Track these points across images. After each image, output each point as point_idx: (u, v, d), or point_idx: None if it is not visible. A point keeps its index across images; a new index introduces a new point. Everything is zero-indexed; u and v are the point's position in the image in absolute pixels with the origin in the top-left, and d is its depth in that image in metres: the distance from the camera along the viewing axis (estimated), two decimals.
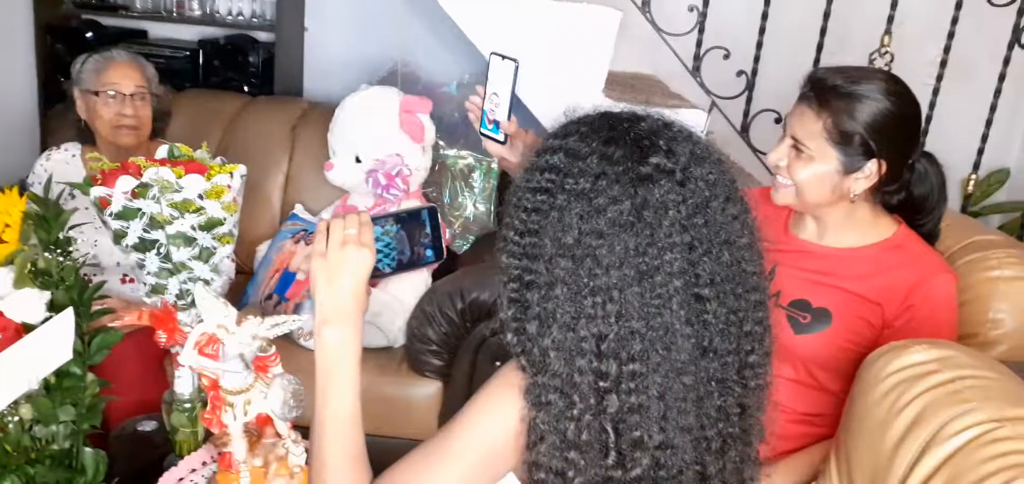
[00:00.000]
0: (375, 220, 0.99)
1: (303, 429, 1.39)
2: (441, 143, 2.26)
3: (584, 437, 0.80)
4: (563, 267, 0.79)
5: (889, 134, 1.31)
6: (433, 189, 2.27)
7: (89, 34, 2.78)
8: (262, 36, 2.81)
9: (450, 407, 1.90)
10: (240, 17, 2.78)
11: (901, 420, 0.94)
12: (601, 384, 0.79)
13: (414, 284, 2.09)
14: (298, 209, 2.28)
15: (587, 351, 0.79)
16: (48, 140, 2.41)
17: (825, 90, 1.33)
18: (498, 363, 1.82)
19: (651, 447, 0.79)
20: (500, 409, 0.84)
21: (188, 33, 2.86)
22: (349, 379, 0.93)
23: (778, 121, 2.02)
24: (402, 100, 2.11)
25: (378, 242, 0.98)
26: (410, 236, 1.03)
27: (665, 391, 0.79)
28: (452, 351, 1.86)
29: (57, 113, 2.48)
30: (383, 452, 1.58)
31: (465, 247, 2.24)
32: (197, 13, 2.79)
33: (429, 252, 1.05)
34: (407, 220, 1.03)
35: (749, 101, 2.17)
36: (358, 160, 2.11)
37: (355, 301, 0.93)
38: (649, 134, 0.83)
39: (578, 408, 0.79)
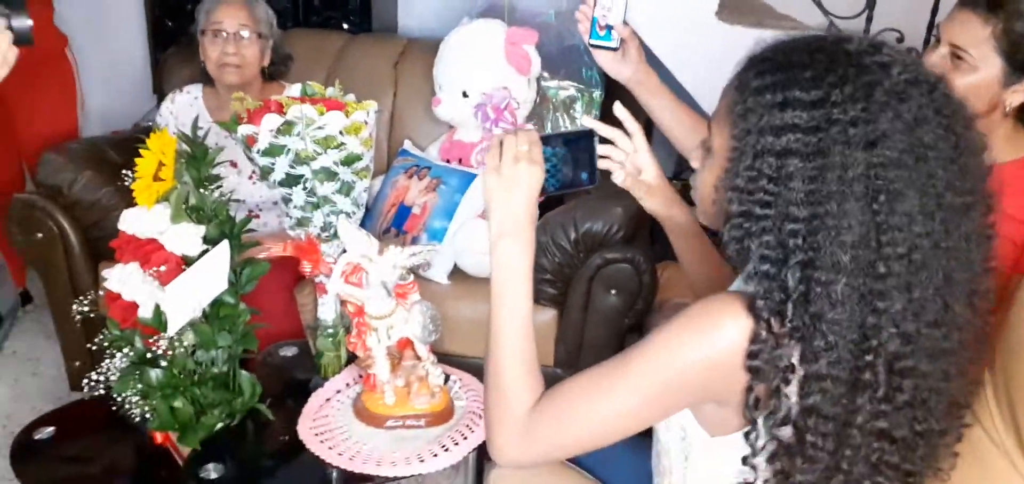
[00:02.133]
0: (543, 140, 1.02)
1: (439, 354, 1.46)
2: (544, 74, 2.27)
3: (866, 377, 0.80)
4: (852, 206, 0.78)
5: None
6: (535, 121, 2.28)
7: None
8: None
9: (566, 334, 1.94)
10: None
11: None
12: (885, 323, 0.79)
13: None
14: (407, 144, 2.33)
15: (878, 291, 0.78)
16: (162, 84, 2.50)
17: None
18: (613, 292, 1.86)
19: (918, 374, 0.81)
20: (699, 339, 0.83)
21: None
22: (524, 290, 0.96)
23: (901, 41, 1.95)
24: (508, 32, 2.12)
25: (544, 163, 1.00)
26: (574, 159, 1.05)
27: (936, 320, 0.80)
28: (566, 280, 1.89)
29: (169, 57, 2.56)
30: None
31: None
32: None
33: (585, 175, 1.07)
34: (573, 143, 1.06)
35: (870, 20, 2.09)
36: (465, 95, 2.13)
37: (528, 215, 0.97)
38: (870, 48, 0.82)
39: (864, 346, 0.79)
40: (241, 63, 2.07)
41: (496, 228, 0.97)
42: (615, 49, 1.38)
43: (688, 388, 0.85)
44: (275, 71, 2.18)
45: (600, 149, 1.12)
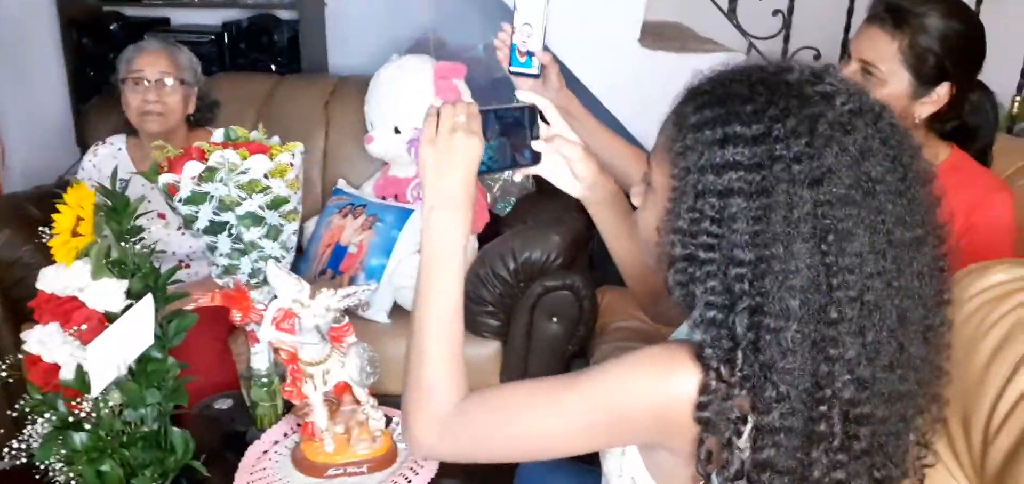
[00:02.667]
0: (482, 113, 0.97)
1: (379, 396, 1.43)
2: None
3: (821, 428, 0.76)
4: (800, 247, 0.73)
5: (961, 55, 1.32)
6: None
7: (113, 26, 2.79)
8: (284, 14, 2.81)
9: (510, 365, 1.93)
10: None
11: (989, 341, 0.95)
12: (839, 370, 0.75)
13: None
14: (341, 183, 2.30)
15: (831, 337, 0.74)
16: (85, 135, 2.43)
17: (900, 12, 1.33)
18: (555, 319, 1.86)
19: (875, 420, 0.78)
20: (652, 380, 0.79)
21: (210, 18, 2.86)
22: (456, 268, 0.91)
23: (817, 58, 2.02)
24: (436, 67, 2.12)
25: None
26: (514, 135, 1.02)
27: (891, 362, 0.77)
28: (507, 311, 1.89)
29: (92, 108, 2.50)
30: None
31: (507, 209, 2.25)
32: None
33: (526, 153, 1.03)
34: (512, 118, 1.02)
35: (787, 40, 2.16)
36: (397, 130, 2.12)
37: (464, 188, 0.92)
38: (811, 77, 0.78)
39: (818, 395, 0.75)
40: (163, 111, 2.02)
41: (428, 201, 0.93)
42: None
43: (635, 427, 0.82)
44: (201, 118, 2.14)
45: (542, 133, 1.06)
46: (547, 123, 1.07)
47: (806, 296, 0.74)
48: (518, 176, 1.12)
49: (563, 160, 1.07)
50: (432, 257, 0.92)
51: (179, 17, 2.90)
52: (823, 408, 0.76)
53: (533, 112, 1.04)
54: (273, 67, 2.74)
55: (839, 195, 0.74)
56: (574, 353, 1.89)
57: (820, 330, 0.74)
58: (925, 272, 0.79)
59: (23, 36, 2.87)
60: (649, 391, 0.79)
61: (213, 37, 2.76)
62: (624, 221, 1.12)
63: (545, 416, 0.84)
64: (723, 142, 0.77)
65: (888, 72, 1.33)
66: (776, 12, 2.11)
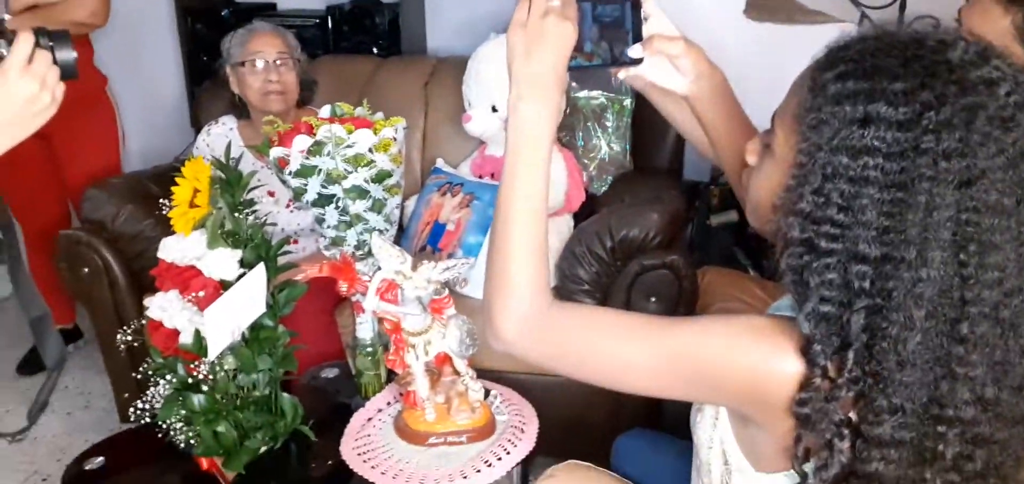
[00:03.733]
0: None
1: (477, 369, 1.45)
2: (572, 84, 2.26)
3: (937, 447, 0.71)
4: (935, 254, 0.68)
5: None
6: (565, 133, 2.27)
7: (224, 12, 2.90)
8: None
9: None
10: None
11: None
12: (962, 390, 0.70)
13: (558, 228, 2.11)
14: (440, 162, 2.33)
15: (958, 355, 0.69)
16: (198, 117, 2.55)
17: None
18: (653, 299, 1.84)
19: (994, 443, 0.73)
20: (754, 352, 0.75)
21: (315, 2, 2.94)
22: (541, 160, 0.85)
23: (936, 28, 1.89)
24: None
25: None
26: (613, 30, 0.95)
27: (1020, 385, 0.72)
28: (604, 290, 1.87)
29: (204, 91, 2.62)
30: (542, 391, 1.62)
31: (604, 188, 2.23)
32: None
33: (627, 53, 0.96)
34: (607, 19, 0.95)
35: (903, 8, 2.05)
36: (494, 109, 2.13)
37: (555, 76, 0.84)
38: (976, 58, 0.70)
39: (935, 413, 0.70)
40: (284, 89, 2.11)
41: (515, 90, 0.85)
42: (639, 62, 1.08)
43: (724, 388, 0.79)
44: (304, 97, 2.21)
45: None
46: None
47: (936, 307, 0.68)
48: (621, 74, 1.04)
49: (664, 58, 1.01)
50: (517, 150, 0.85)
51: (285, 2, 3.00)
52: (941, 427, 0.71)
53: (636, 8, 0.96)
54: (375, 50, 2.80)
55: (989, 202, 0.67)
56: None
57: (946, 345, 0.69)
58: None
59: (141, 24, 3.02)
60: (748, 361, 0.76)
61: (317, 21, 2.83)
62: (734, 118, 1.06)
63: (633, 345, 0.81)
64: (864, 122, 0.70)
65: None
66: None
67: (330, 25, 2.83)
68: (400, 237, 2.17)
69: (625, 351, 0.81)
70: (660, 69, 1.03)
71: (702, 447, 0.92)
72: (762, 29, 2.02)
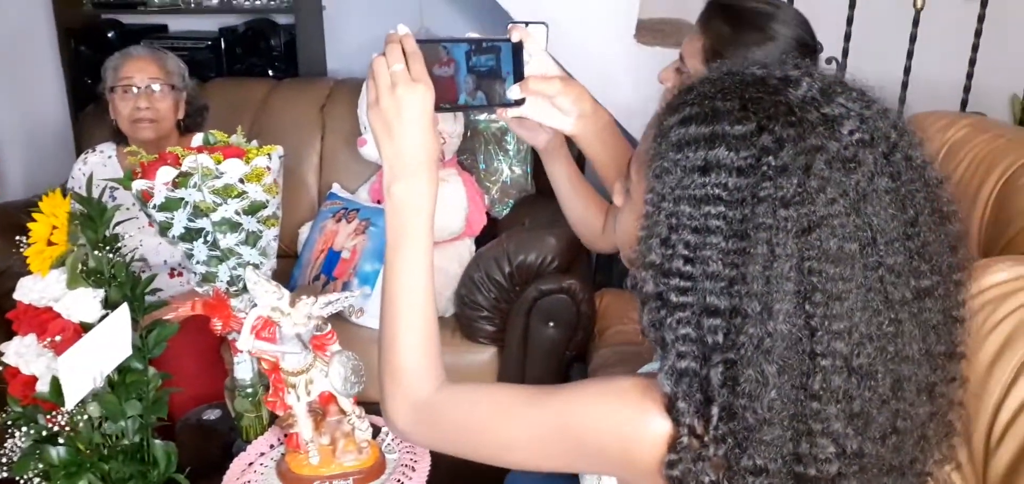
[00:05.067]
0: (442, 43, 0.88)
1: (365, 404, 1.39)
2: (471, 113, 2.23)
3: None
4: (780, 306, 0.64)
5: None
6: (467, 156, 2.24)
7: (110, 34, 2.78)
8: (281, 19, 2.79)
9: (507, 371, 1.89)
10: (257, 2, 2.76)
11: (989, 345, 0.90)
12: (823, 446, 0.66)
13: (458, 252, 2.07)
14: (336, 187, 2.27)
15: (814, 411, 0.65)
16: (82, 143, 2.42)
17: (711, 9, 1.35)
18: (552, 324, 1.81)
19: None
20: (621, 418, 0.72)
21: (207, 23, 2.84)
22: (422, 241, 0.83)
23: (829, 63, 1.94)
24: None
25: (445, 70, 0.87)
26: (491, 71, 0.93)
27: (883, 435, 0.67)
28: (503, 315, 1.84)
29: (87, 116, 2.49)
30: None
31: (505, 211, 2.21)
32: (214, 2, 2.76)
33: (507, 94, 0.94)
34: (483, 63, 0.92)
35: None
36: None
37: (421, 147, 0.82)
38: (820, 96, 0.67)
39: (800, 472, 0.66)
40: (155, 117, 2.01)
41: (387, 173, 0.84)
42: (518, 103, 0.99)
43: (597, 458, 0.76)
44: (191, 123, 2.12)
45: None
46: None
47: (786, 361, 0.65)
48: (502, 116, 1.03)
49: (544, 98, 0.99)
50: (396, 233, 0.84)
51: (176, 24, 2.89)
52: None
53: (518, 51, 0.93)
54: (270, 72, 2.72)
55: (830, 250, 0.64)
56: (573, 358, 1.85)
57: (802, 401, 0.65)
58: (935, 324, 0.69)
59: (21, 45, 2.86)
60: (618, 428, 0.72)
61: (210, 42, 2.74)
62: (620, 158, 1.05)
63: (511, 426, 0.79)
64: (705, 168, 0.66)
65: (694, 70, 1.34)
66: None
67: (223, 47, 2.73)
68: (294, 265, 2.09)
69: (506, 432, 0.79)
70: (542, 109, 1.01)
71: None
72: (652, 54, 2.02)
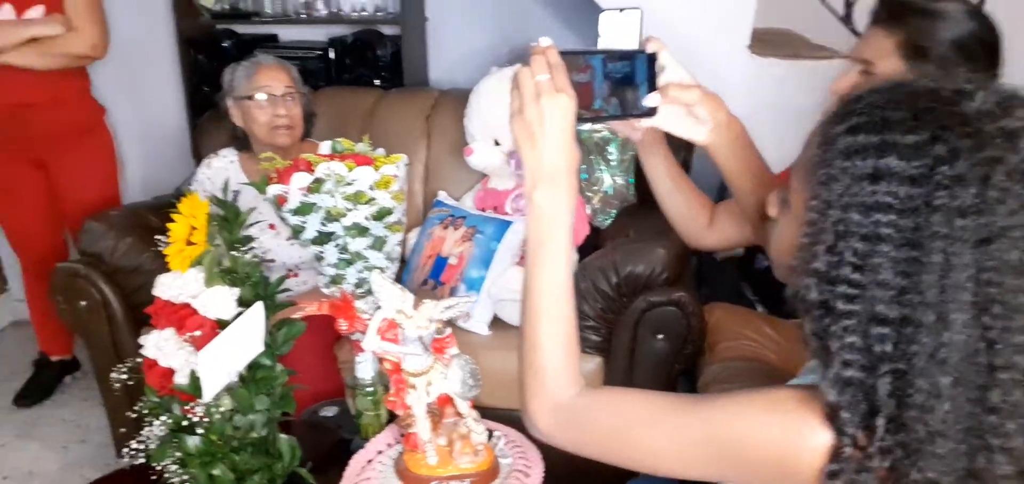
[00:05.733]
0: (579, 55, 0.90)
1: (480, 409, 1.41)
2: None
3: None
4: (956, 317, 0.63)
5: (971, 55, 1.22)
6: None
7: (226, 43, 2.89)
8: (387, 30, 2.85)
9: (613, 381, 1.88)
10: (364, 12, 2.83)
11: None
12: (1000, 461, 0.65)
13: None
14: (442, 195, 2.31)
15: (991, 425, 0.65)
16: (199, 149, 2.53)
17: (892, 5, 1.29)
18: (660, 336, 1.80)
19: None
20: (780, 429, 0.71)
21: (316, 33, 2.93)
22: (563, 246, 0.85)
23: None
24: None
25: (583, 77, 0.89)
26: (624, 82, 0.94)
27: None
28: (609, 326, 1.84)
29: (205, 122, 2.60)
30: None
31: (607, 221, 2.21)
32: (323, 13, 2.85)
33: (641, 105, 0.94)
34: (618, 71, 0.93)
35: None
36: (497, 143, 2.12)
37: (563, 156, 0.84)
38: (995, 109, 0.66)
39: (976, 466, 0.66)
40: (292, 123, 2.09)
41: (528, 180, 0.86)
42: (652, 112, 1.00)
43: (752, 471, 0.75)
44: (305, 130, 2.19)
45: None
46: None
47: (962, 374, 0.64)
48: (635, 126, 1.03)
49: (681, 107, 1.00)
50: (537, 241, 0.86)
51: (287, 34, 2.99)
52: None
53: (652, 60, 0.94)
54: (377, 82, 2.79)
55: (1011, 261, 0.63)
56: (681, 371, 1.83)
57: (978, 414, 0.64)
58: None
59: (143, 54, 3.01)
60: (775, 439, 0.72)
61: (319, 52, 2.82)
62: (752, 167, 1.05)
63: (660, 434, 0.79)
64: (875, 177, 0.66)
65: (889, 68, 1.26)
66: None
67: (332, 57, 2.82)
68: (402, 271, 2.14)
69: (651, 440, 0.80)
70: (677, 119, 1.01)
71: None
72: (766, 66, 2.00)
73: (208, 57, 2.88)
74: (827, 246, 0.69)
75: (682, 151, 2.23)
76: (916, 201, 0.65)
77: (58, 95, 2.38)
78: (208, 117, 2.58)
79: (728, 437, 0.75)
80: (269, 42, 2.94)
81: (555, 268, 0.85)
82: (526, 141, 0.86)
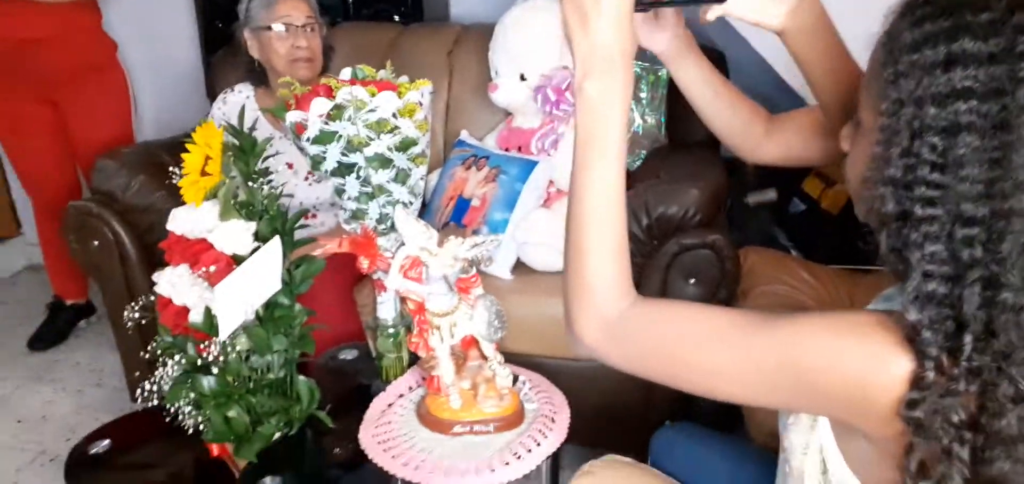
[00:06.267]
0: None
1: (504, 353, 1.35)
2: None
3: None
4: None
5: None
6: None
7: None
8: None
9: None
10: None
11: None
12: None
13: None
14: (464, 134, 2.23)
15: None
16: (214, 86, 2.45)
17: None
18: (693, 281, 1.73)
19: None
20: (856, 356, 0.65)
21: None
22: (616, 144, 0.76)
23: None
24: None
25: None
26: None
27: None
28: (638, 270, 1.76)
29: (220, 58, 2.52)
30: (571, 377, 1.52)
31: (637, 163, 2.12)
32: None
33: None
34: None
35: None
36: (523, 78, 2.03)
37: (618, 40, 0.75)
38: None
39: None
40: (312, 55, 2.02)
41: (579, 69, 0.77)
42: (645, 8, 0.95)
43: (823, 398, 0.68)
44: (324, 64, 2.11)
45: None
46: None
47: None
48: (709, 15, 0.91)
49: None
50: (587, 136, 0.77)
51: None
52: None
53: None
54: (396, 17, 2.69)
55: None
56: None
57: None
58: None
59: None
60: (854, 366, 0.65)
61: None
62: (837, 57, 0.94)
63: (722, 354, 0.72)
64: (949, 63, 0.61)
65: None
66: None
67: None
68: (422, 212, 2.07)
69: (713, 357, 0.72)
70: (751, 4, 0.91)
71: (795, 452, 0.81)
72: None
73: None
74: (902, 149, 0.64)
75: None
76: (999, 82, 0.60)
77: (68, 30, 2.31)
78: (223, 53, 2.50)
79: (800, 361, 0.67)
80: None
81: (606, 167, 0.77)
82: (578, 25, 0.77)
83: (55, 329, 2.68)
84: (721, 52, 2.27)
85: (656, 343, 0.76)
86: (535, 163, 1.96)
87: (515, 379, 1.37)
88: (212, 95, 2.43)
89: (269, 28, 1.99)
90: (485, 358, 1.32)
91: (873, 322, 0.66)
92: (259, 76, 2.10)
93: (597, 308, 0.78)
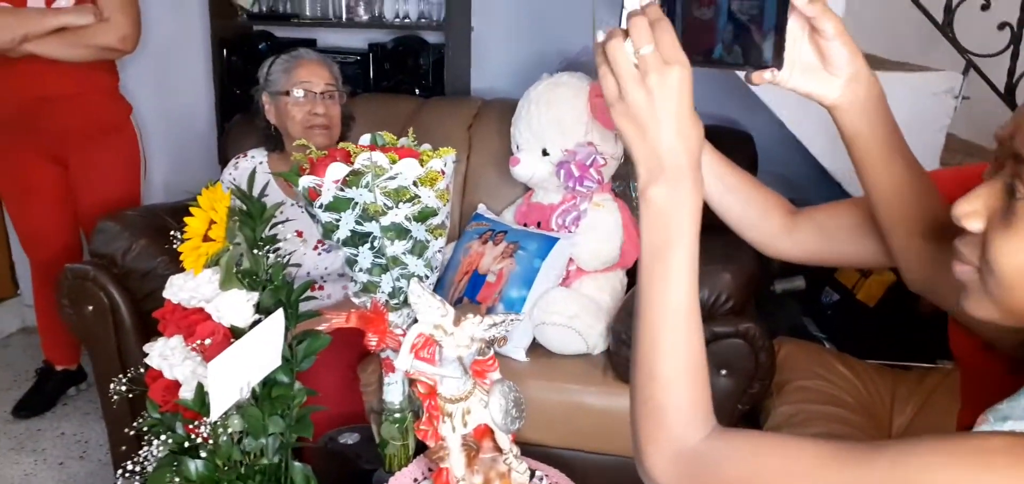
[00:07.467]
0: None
1: (519, 444, 1.23)
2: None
3: None
4: None
5: None
6: (619, 183, 2.08)
7: (262, 45, 2.77)
8: (429, 37, 2.73)
9: None
10: (407, 19, 2.70)
11: None
12: None
13: (611, 284, 1.91)
14: (481, 208, 2.15)
15: None
16: (226, 153, 2.40)
17: None
18: (723, 372, 1.62)
19: None
20: (981, 478, 0.55)
21: (356, 39, 2.81)
22: (688, 254, 0.69)
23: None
24: (592, 85, 1.94)
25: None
26: (743, 25, 0.75)
27: None
28: None
29: (234, 125, 2.47)
30: (588, 469, 1.41)
31: None
32: (364, 18, 2.73)
33: (765, 53, 0.75)
34: (743, 8, 0.74)
35: (1015, 57, 1.84)
36: (545, 153, 1.95)
37: (684, 142, 0.68)
38: None
39: None
40: (329, 123, 1.98)
41: (642, 176, 0.70)
42: (777, 66, 0.80)
43: None
44: (343, 133, 2.06)
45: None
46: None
47: None
48: (755, 80, 0.81)
49: (813, 51, 0.80)
50: (654, 247, 0.70)
51: (326, 37, 2.87)
52: None
53: (782, 2, 0.75)
54: (417, 90, 2.66)
55: None
56: (745, 412, 1.64)
57: None
58: None
59: (173, 52, 2.91)
60: None
61: (358, 58, 2.70)
62: (893, 143, 0.84)
63: None
64: None
65: None
66: (1003, 25, 1.79)
67: (371, 62, 2.69)
68: (435, 287, 1.98)
69: None
70: (806, 72, 0.81)
71: None
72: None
73: (242, 59, 2.77)
74: None
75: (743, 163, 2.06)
76: None
77: (84, 90, 2.27)
78: (238, 120, 2.46)
79: None
80: (307, 46, 2.80)
81: (679, 280, 0.70)
82: (635, 133, 0.69)
83: (43, 396, 2.57)
84: (748, 134, 2.21)
85: (744, 478, 0.65)
86: (556, 239, 1.88)
87: (532, 474, 1.25)
88: (224, 161, 2.38)
89: (288, 93, 1.94)
90: (500, 450, 1.21)
91: (1013, 446, 0.55)
92: (274, 141, 2.04)
93: (670, 438, 0.69)
